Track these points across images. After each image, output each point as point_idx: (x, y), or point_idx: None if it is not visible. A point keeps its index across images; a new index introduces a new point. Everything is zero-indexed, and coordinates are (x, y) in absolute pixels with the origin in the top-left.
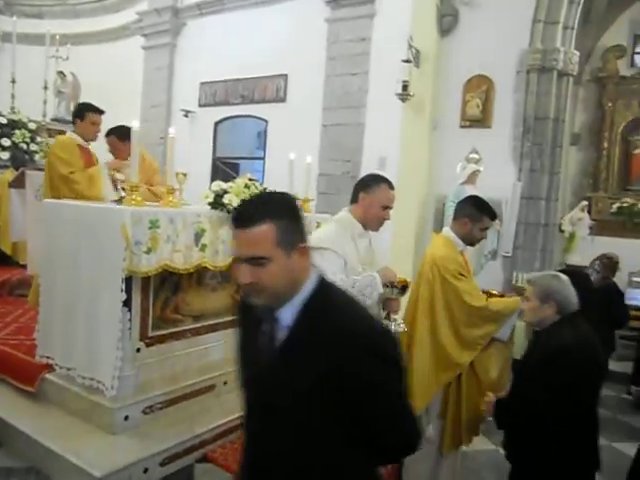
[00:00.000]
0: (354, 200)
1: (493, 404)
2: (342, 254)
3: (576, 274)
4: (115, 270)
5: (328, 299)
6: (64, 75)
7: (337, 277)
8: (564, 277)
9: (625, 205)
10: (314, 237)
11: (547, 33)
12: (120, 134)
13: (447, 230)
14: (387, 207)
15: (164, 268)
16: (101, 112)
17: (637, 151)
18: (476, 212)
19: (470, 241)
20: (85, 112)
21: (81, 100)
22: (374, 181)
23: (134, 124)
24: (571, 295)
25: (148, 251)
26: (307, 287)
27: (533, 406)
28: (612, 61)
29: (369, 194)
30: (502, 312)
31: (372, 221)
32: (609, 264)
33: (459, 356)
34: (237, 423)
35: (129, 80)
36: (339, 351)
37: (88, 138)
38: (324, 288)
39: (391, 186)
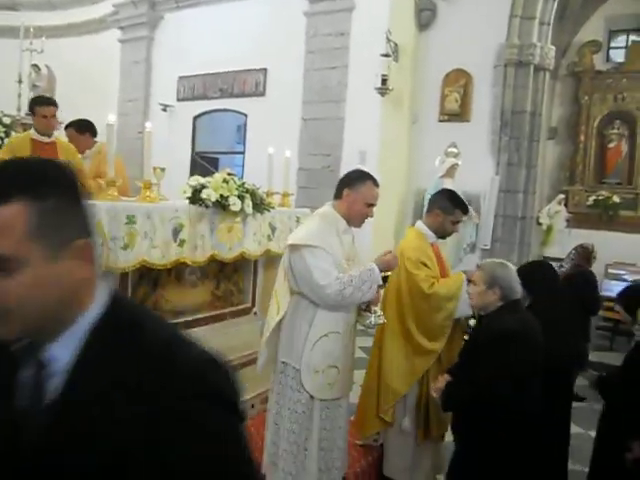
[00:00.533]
0: (338, 195)
1: (443, 389)
2: (330, 251)
3: (542, 264)
4: None
5: (129, 326)
6: (39, 68)
7: (332, 276)
8: (511, 265)
9: (601, 198)
10: (299, 234)
11: (524, 28)
12: (79, 127)
13: (419, 223)
14: (371, 205)
15: (142, 264)
16: (50, 104)
17: (612, 145)
18: (449, 205)
19: (441, 233)
20: (34, 107)
21: (57, 94)
22: (359, 178)
23: (110, 118)
24: (515, 283)
25: (125, 247)
26: (92, 309)
27: (477, 391)
28: (588, 56)
29: (354, 191)
30: (451, 289)
31: (355, 218)
32: (583, 253)
33: (427, 344)
34: None
35: (106, 73)
36: (160, 405)
37: (43, 132)
38: (119, 309)
39: (376, 183)
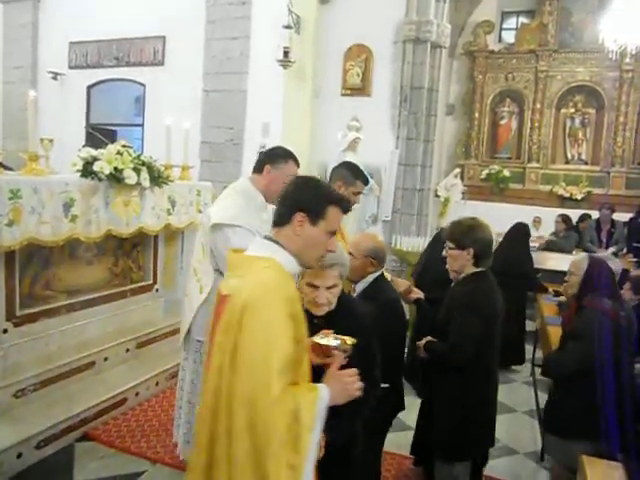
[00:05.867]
0: (258, 170)
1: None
2: (252, 229)
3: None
4: None
5: None
6: None
7: None
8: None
9: (493, 172)
10: (219, 211)
11: (421, 5)
12: None
13: None
14: None
15: (30, 241)
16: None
17: (503, 122)
18: (350, 176)
19: None
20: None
21: None
22: (282, 156)
23: None
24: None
25: (10, 224)
26: None
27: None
28: (482, 36)
29: (276, 168)
30: None
31: (273, 195)
32: None
33: None
34: (120, 399)
35: None
36: None
37: None
38: None
39: (297, 164)
